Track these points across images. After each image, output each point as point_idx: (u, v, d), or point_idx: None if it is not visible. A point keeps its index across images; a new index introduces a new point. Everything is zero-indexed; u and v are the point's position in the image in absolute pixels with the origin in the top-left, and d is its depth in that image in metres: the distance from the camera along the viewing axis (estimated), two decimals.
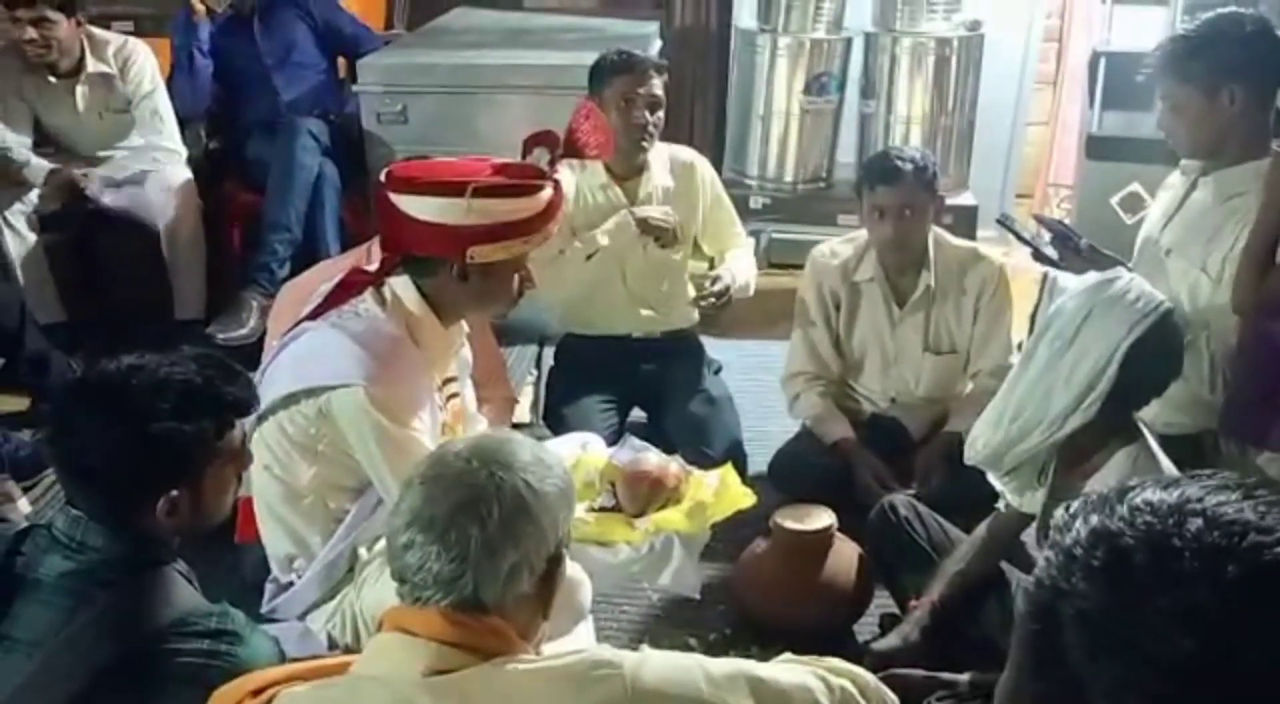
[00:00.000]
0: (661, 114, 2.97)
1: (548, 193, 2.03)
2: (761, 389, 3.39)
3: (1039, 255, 2.60)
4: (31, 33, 3.66)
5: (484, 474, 1.25)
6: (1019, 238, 2.76)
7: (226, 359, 1.65)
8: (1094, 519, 0.74)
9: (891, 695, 1.40)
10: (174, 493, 1.54)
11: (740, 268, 3.12)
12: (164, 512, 1.54)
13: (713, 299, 2.98)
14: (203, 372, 1.57)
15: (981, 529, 2.26)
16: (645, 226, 2.94)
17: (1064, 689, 0.72)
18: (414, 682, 1.19)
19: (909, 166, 2.72)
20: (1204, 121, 2.34)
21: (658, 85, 2.94)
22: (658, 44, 4.38)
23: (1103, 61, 4.19)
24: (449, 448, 1.32)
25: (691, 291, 3.13)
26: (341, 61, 4.25)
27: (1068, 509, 0.77)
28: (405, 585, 1.25)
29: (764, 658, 1.46)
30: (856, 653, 2.07)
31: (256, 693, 1.28)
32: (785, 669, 1.35)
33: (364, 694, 1.21)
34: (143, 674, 1.45)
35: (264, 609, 2.11)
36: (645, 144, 2.95)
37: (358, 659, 1.28)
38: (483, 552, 1.22)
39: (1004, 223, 2.82)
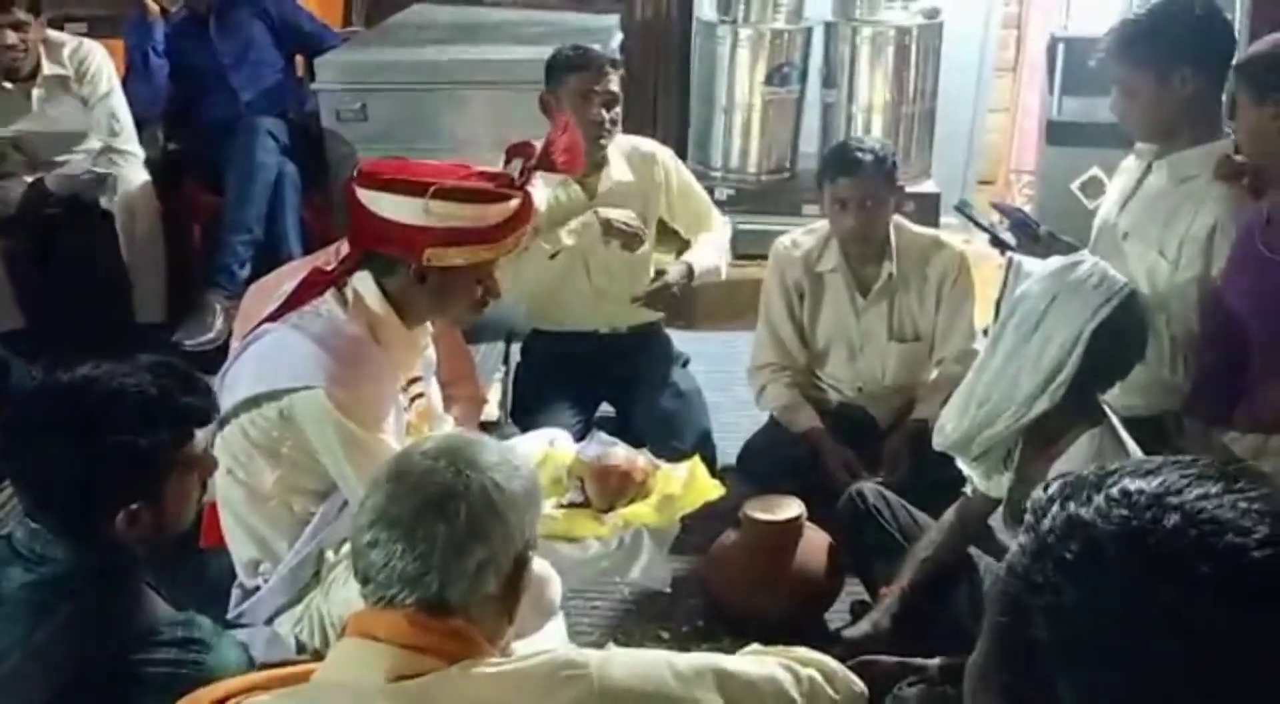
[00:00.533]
0: (619, 110, 2.96)
1: (513, 203, 2.02)
2: (730, 381, 3.39)
3: (996, 241, 2.61)
4: (12, 37, 3.59)
5: (451, 473, 1.24)
6: (976, 224, 2.78)
7: (184, 366, 1.62)
8: (1070, 507, 0.72)
9: (859, 683, 1.40)
10: (133, 505, 1.52)
11: (702, 254, 3.11)
12: (124, 524, 1.52)
13: (654, 293, 2.97)
14: (158, 381, 1.54)
15: (950, 514, 2.28)
16: (609, 229, 2.93)
17: (1033, 682, 0.71)
18: (377, 688, 1.17)
19: (869, 157, 2.73)
20: (1156, 105, 2.36)
21: (614, 81, 2.93)
22: (618, 37, 4.37)
23: (1061, 47, 4.22)
24: (415, 448, 1.32)
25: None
26: (300, 60, 4.21)
27: (1046, 490, 0.75)
28: (369, 585, 1.23)
29: (736, 649, 1.46)
30: (828, 641, 2.08)
31: (219, 702, 1.26)
32: (753, 661, 1.35)
33: (326, 701, 1.20)
34: (110, 685, 1.44)
35: (230, 614, 2.09)
36: (603, 141, 2.94)
37: (320, 666, 1.26)
38: (449, 550, 1.21)
39: (962, 210, 2.83)
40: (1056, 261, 2.00)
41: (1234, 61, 2.30)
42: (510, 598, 1.28)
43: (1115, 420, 2.00)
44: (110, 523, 1.51)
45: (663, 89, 5.00)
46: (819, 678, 1.34)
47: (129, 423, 1.49)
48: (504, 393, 3.31)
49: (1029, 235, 2.55)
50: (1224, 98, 2.42)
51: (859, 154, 2.75)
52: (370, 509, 1.25)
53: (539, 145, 2.15)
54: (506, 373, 3.32)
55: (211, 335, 3.54)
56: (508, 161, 2.17)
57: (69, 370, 1.55)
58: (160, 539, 1.61)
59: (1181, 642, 0.66)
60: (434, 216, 1.94)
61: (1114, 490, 0.71)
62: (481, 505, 1.23)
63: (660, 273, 3.02)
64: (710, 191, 4.24)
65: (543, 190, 2.23)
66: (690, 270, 3.04)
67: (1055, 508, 0.73)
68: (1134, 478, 0.72)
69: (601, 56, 2.95)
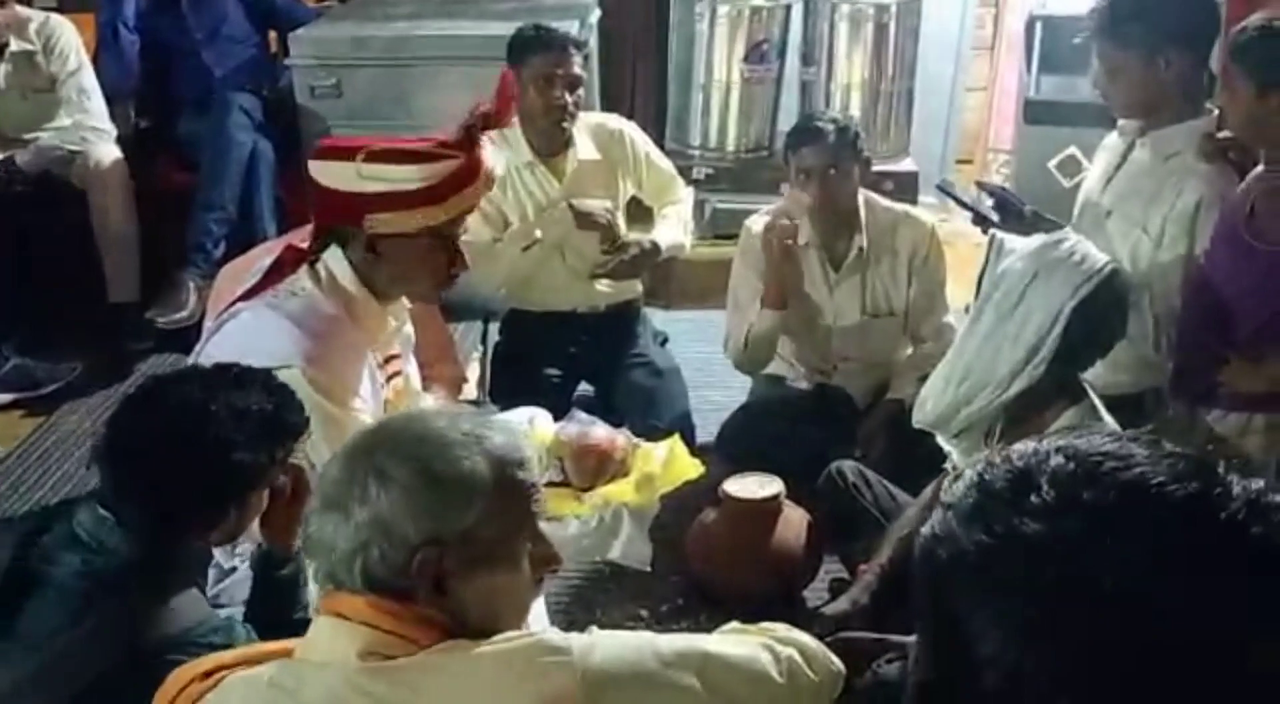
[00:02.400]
0: (582, 92, 2.94)
1: (453, 162, 1.95)
2: (708, 359, 3.39)
3: (979, 218, 2.61)
4: None
5: (384, 450, 1.20)
6: (959, 202, 2.78)
7: (284, 384, 1.68)
8: (970, 473, 0.75)
9: (837, 662, 1.40)
10: (230, 514, 1.59)
11: (667, 231, 3.10)
12: (214, 531, 1.60)
13: (615, 266, 2.96)
14: (272, 399, 1.62)
15: (928, 492, 2.28)
16: (582, 221, 2.90)
17: (952, 638, 0.73)
18: (352, 665, 1.16)
19: (830, 126, 2.74)
20: (1141, 85, 2.36)
21: (577, 64, 2.90)
22: (596, 13, 4.33)
23: (1039, 26, 4.22)
24: (362, 429, 1.29)
25: None
26: (273, 35, 4.16)
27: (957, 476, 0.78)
28: (312, 564, 1.22)
29: (715, 627, 1.46)
30: (807, 618, 2.08)
31: (207, 675, 1.25)
32: (735, 641, 1.34)
33: (306, 678, 1.19)
34: (142, 683, 1.43)
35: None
36: (565, 124, 2.93)
37: (300, 643, 1.25)
38: (376, 531, 1.17)
39: (944, 188, 2.83)
40: (1038, 239, 2.00)
41: (1229, 44, 2.26)
42: (468, 575, 1.20)
43: (1095, 398, 2.01)
44: (199, 527, 1.58)
45: (641, 67, 4.96)
46: (798, 657, 1.34)
47: (250, 439, 1.56)
48: (483, 372, 3.30)
49: (1013, 214, 2.55)
50: (1210, 74, 2.42)
51: (821, 123, 2.76)
52: (318, 489, 1.24)
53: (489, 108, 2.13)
54: (485, 353, 3.31)
55: (185, 313, 3.51)
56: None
57: (182, 382, 1.63)
58: (226, 543, 1.70)
59: (1071, 566, 0.67)
60: (367, 180, 1.92)
61: (1012, 450, 0.75)
62: (413, 486, 1.17)
63: (621, 246, 3.00)
64: (689, 170, 4.26)
65: (499, 155, 2.20)
66: (656, 246, 3.02)
67: (962, 479, 0.76)
68: (1040, 441, 0.75)
69: (565, 37, 2.91)
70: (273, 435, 1.61)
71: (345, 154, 1.94)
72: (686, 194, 3.28)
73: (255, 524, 1.71)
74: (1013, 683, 0.68)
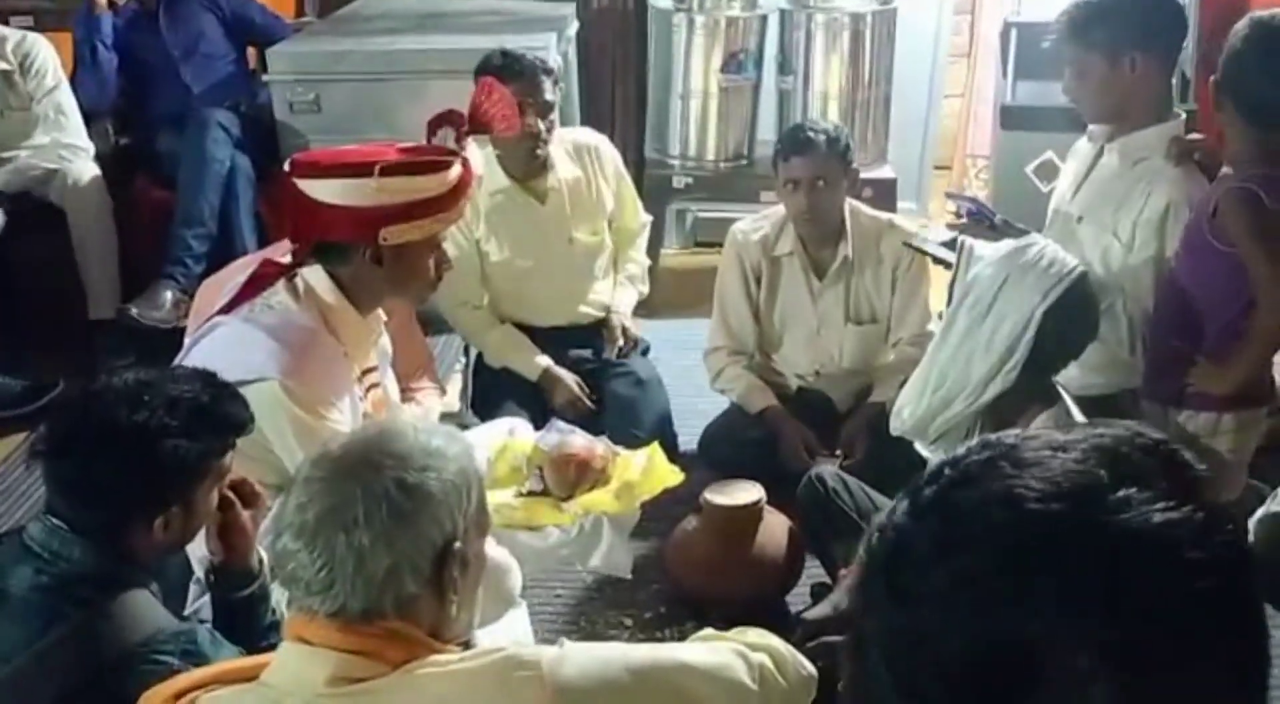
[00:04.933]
0: (554, 117, 2.94)
1: (456, 170, 2.03)
2: (689, 368, 3.38)
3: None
4: None
5: (350, 476, 1.19)
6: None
7: (222, 380, 1.67)
8: (936, 461, 0.75)
9: (808, 666, 1.41)
10: (172, 510, 1.57)
11: (623, 298, 3.20)
12: (160, 529, 1.56)
13: (620, 346, 3.10)
14: (208, 390, 1.60)
15: None
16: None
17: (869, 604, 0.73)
18: (318, 691, 1.16)
19: (821, 137, 2.75)
20: (1107, 87, 2.38)
21: (548, 89, 2.88)
22: (574, 25, 4.35)
23: (1014, 32, 4.24)
24: (329, 445, 1.26)
25: (611, 277, 3.19)
26: (251, 51, 4.16)
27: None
28: (286, 594, 1.22)
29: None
30: (788, 623, 2.08)
31: (176, 697, 1.24)
32: (707, 649, 1.35)
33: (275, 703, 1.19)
34: (107, 695, 1.43)
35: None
36: (539, 152, 2.93)
37: (269, 662, 1.24)
38: (350, 559, 1.16)
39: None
40: (1007, 244, 2.02)
41: (1220, 80, 2.20)
42: (440, 590, 1.22)
43: (1069, 400, 2.02)
44: (144, 526, 1.56)
45: (620, 78, 4.98)
46: (769, 663, 1.34)
47: (184, 427, 1.54)
48: (464, 384, 3.30)
49: (985, 225, 2.57)
50: (1179, 78, 2.44)
51: (812, 134, 2.76)
52: (280, 517, 1.21)
53: (464, 112, 2.15)
54: (467, 365, 3.31)
55: (163, 314, 3.50)
56: (431, 134, 2.15)
57: (119, 377, 1.61)
58: (179, 546, 1.67)
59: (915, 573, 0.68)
60: (385, 194, 1.94)
61: (984, 440, 0.74)
62: (384, 510, 1.17)
63: (612, 330, 3.13)
64: (669, 180, 4.28)
65: (478, 153, 2.22)
66: (625, 316, 3.17)
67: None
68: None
69: (534, 65, 2.88)
70: (208, 425, 1.58)
71: (357, 170, 1.94)
72: (645, 220, 3.32)
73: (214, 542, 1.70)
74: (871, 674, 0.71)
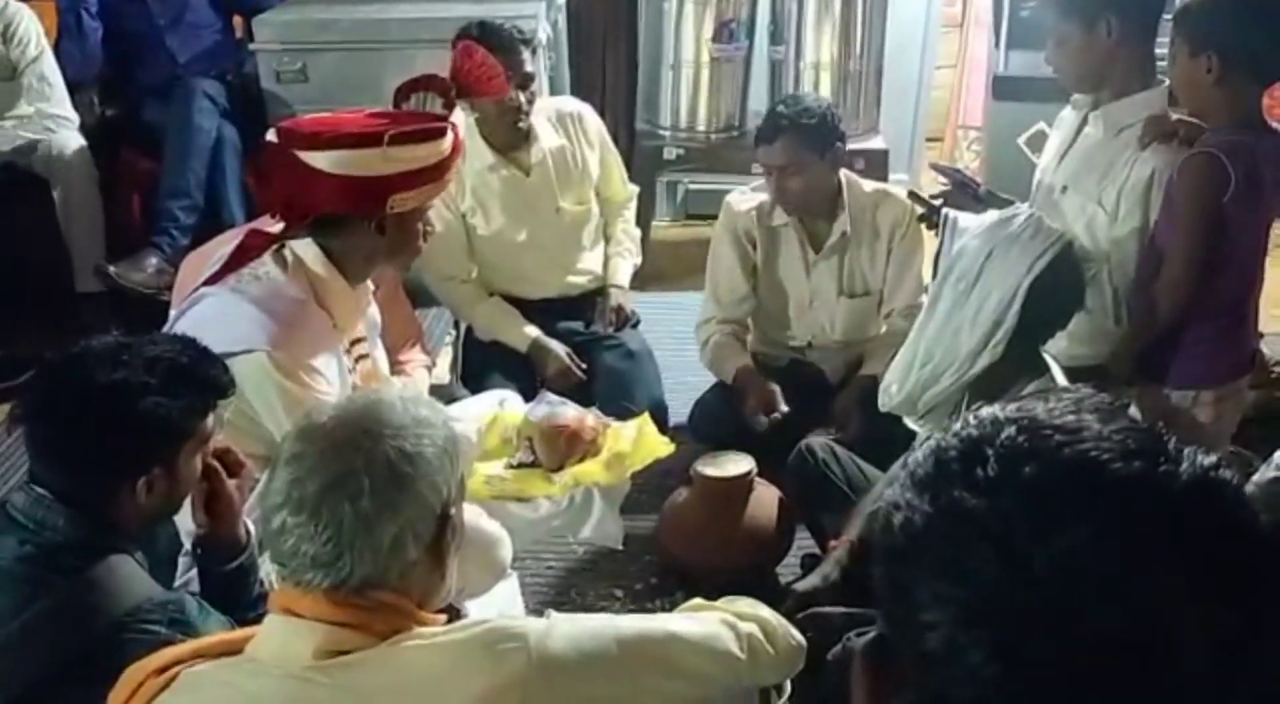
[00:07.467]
0: (535, 88, 2.91)
1: (450, 137, 2.04)
2: (681, 340, 3.38)
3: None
4: None
5: (350, 447, 1.18)
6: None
7: (203, 344, 1.66)
8: (932, 440, 0.74)
9: (797, 635, 1.41)
10: (154, 472, 1.55)
11: (621, 270, 3.18)
12: (143, 491, 1.55)
13: (613, 320, 3.11)
14: (186, 352, 1.60)
15: (897, 468, 2.29)
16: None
17: (896, 602, 0.71)
18: (305, 664, 1.15)
19: (786, 124, 2.70)
20: (1084, 54, 2.35)
21: (528, 61, 2.85)
22: None
23: (1006, 2, 4.22)
24: (316, 417, 1.24)
25: (600, 247, 3.17)
26: (238, 20, 4.12)
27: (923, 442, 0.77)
28: (284, 569, 1.19)
29: None
30: (779, 594, 2.09)
31: (160, 671, 1.24)
32: (696, 620, 1.35)
33: (260, 677, 1.18)
34: (96, 665, 1.43)
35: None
36: (521, 124, 2.91)
37: (254, 635, 1.24)
38: (358, 529, 1.16)
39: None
40: (992, 216, 2.01)
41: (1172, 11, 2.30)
42: (438, 557, 1.23)
43: (1058, 370, 2.02)
44: (128, 490, 1.54)
45: (610, 48, 4.94)
46: (758, 633, 1.35)
47: (162, 387, 1.54)
48: (454, 356, 3.29)
49: (969, 195, 2.56)
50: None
51: (780, 121, 2.71)
52: (276, 492, 1.20)
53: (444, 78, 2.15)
54: (457, 338, 3.31)
55: (144, 278, 3.48)
56: (400, 100, 2.13)
57: (98, 339, 1.60)
58: (164, 512, 1.65)
59: (1005, 547, 0.65)
60: (392, 162, 1.94)
61: (971, 415, 0.73)
62: (387, 478, 1.17)
63: (608, 307, 3.13)
64: (660, 151, 4.25)
65: (462, 120, 2.21)
66: (622, 293, 3.16)
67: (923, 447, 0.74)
68: (1001, 406, 0.73)
69: (512, 37, 2.83)
70: (188, 384, 1.57)
71: (365, 140, 1.93)
72: (632, 191, 3.30)
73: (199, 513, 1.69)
74: (951, 649, 0.67)
